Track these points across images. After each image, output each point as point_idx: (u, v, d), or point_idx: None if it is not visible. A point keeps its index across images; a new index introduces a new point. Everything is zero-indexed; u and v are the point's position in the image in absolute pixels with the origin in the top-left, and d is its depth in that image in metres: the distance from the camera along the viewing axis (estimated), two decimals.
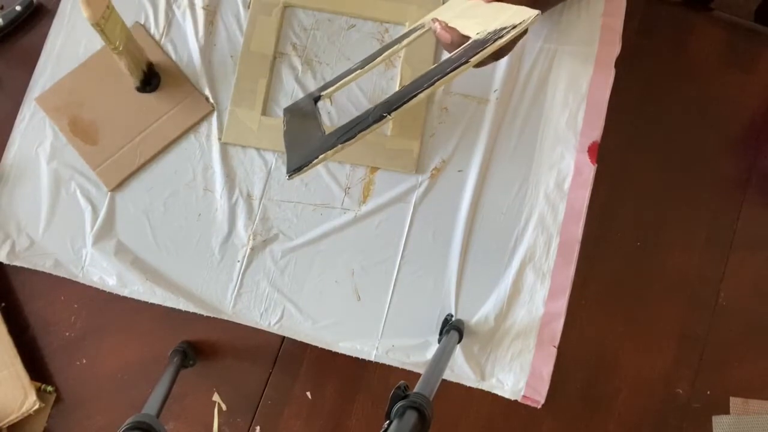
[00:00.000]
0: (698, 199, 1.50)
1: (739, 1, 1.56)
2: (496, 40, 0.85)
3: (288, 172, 0.92)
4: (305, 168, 0.90)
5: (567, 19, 1.22)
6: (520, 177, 1.20)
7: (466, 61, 0.85)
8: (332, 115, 1.20)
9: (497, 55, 0.93)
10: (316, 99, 1.13)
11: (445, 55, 1.20)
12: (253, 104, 1.19)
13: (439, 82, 0.86)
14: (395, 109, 0.87)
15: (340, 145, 0.89)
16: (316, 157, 0.90)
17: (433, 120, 1.20)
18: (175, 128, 1.20)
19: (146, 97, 1.20)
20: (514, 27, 0.85)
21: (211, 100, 1.20)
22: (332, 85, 1.13)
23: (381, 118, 0.87)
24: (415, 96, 0.86)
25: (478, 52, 0.85)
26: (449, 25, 0.96)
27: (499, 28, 0.87)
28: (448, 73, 0.86)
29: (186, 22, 1.22)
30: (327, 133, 0.95)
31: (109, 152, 1.19)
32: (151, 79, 1.19)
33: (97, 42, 1.21)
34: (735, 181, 1.51)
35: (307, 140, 0.98)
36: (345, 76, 1.12)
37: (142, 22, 1.22)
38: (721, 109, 1.52)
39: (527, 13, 0.86)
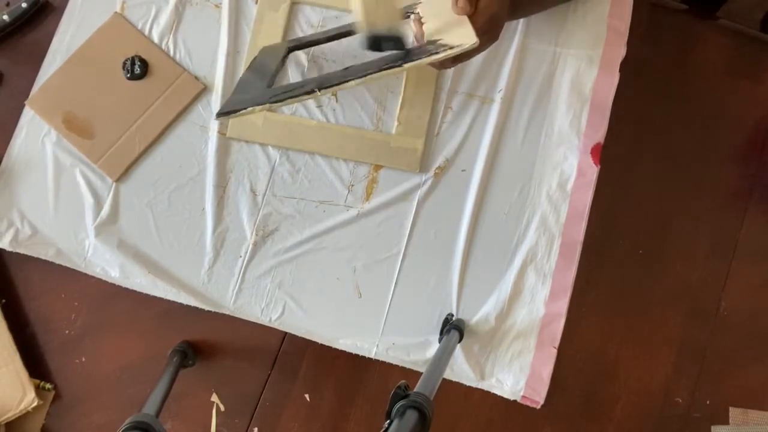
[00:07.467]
0: (701, 208, 1.50)
1: (744, 10, 1.57)
2: (430, 55, 0.89)
3: (217, 114, 0.98)
4: (233, 115, 0.96)
5: (572, 20, 1.22)
6: (523, 177, 1.20)
7: (400, 65, 0.90)
8: (337, 112, 1.20)
9: (454, 61, 0.95)
10: (290, 50, 1.15)
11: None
12: None
13: (370, 77, 0.91)
14: (325, 88, 0.93)
15: (267, 104, 0.95)
16: (245, 108, 0.96)
17: (437, 119, 1.21)
18: (170, 111, 1.21)
19: (136, 84, 1.21)
20: (451, 48, 0.89)
21: (203, 81, 1.22)
22: (306, 45, 1.17)
23: (312, 92, 0.93)
24: (346, 82, 0.92)
25: (412, 60, 0.90)
26: (422, 20, 0.99)
27: (440, 43, 0.91)
28: (379, 71, 0.91)
29: (195, 17, 1.23)
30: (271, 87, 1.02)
31: (108, 144, 1.19)
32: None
33: None
34: (738, 190, 1.51)
35: (253, 89, 1.03)
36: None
37: (152, 18, 1.23)
38: (725, 118, 1.52)
39: (468, 39, 0.88)
